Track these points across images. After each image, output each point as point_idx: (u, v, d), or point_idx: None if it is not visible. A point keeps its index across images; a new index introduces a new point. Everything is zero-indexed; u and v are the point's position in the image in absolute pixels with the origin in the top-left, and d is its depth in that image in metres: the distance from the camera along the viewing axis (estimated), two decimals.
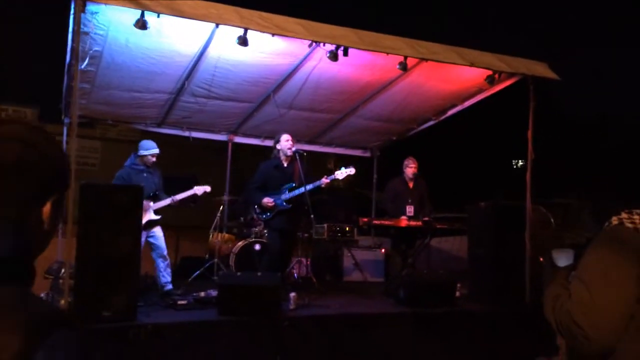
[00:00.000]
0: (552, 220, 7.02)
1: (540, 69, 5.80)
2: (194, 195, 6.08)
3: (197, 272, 6.49)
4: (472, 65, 5.46)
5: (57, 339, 0.81)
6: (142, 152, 5.83)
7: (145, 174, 5.80)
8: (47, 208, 0.91)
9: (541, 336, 5.13)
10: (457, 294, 5.73)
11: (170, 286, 5.67)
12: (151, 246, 5.73)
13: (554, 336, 1.81)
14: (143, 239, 5.48)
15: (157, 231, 5.78)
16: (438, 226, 6.60)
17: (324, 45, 5.14)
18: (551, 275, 1.81)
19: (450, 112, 7.38)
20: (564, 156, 17.10)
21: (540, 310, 1.81)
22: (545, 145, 7.65)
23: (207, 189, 6.19)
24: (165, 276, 5.69)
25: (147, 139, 6.07)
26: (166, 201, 5.86)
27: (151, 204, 5.74)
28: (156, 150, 5.86)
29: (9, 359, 0.76)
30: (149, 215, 5.69)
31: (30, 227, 0.89)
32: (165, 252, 5.77)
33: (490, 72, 5.81)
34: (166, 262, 5.75)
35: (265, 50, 5.40)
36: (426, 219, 6.67)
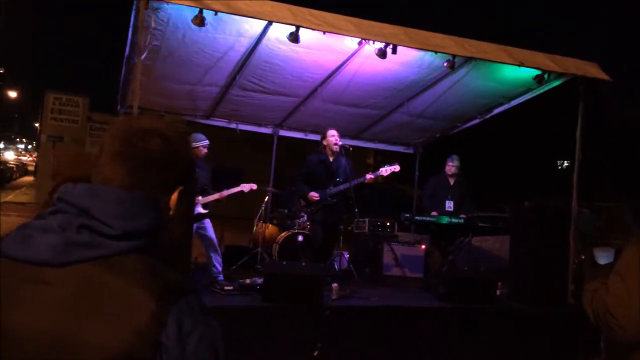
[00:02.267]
0: (598, 223, 6.92)
1: (591, 70, 5.73)
2: (241, 192, 6.27)
3: (242, 261, 6.71)
4: (521, 64, 5.45)
5: (185, 304, 0.92)
6: (193, 144, 5.94)
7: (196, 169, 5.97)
8: (174, 196, 1.06)
9: (582, 337, 5.12)
10: (498, 292, 5.75)
11: (221, 277, 5.77)
12: (201, 238, 5.89)
13: (597, 337, 1.90)
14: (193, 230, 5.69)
15: (207, 224, 5.93)
16: (480, 224, 6.61)
17: (373, 42, 5.23)
18: (592, 273, 1.90)
19: (496, 111, 7.36)
20: (608, 158, 16.64)
21: (582, 311, 1.90)
22: (590, 147, 7.54)
23: (254, 186, 6.40)
24: (217, 266, 5.81)
25: (193, 130, 6.27)
26: (214, 196, 6.01)
27: (199, 198, 5.89)
28: (206, 142, 6.01)
29: (146, 317, 0.88)
30: (198, 209, 5.84)
31: (162, 209, 1.03)
32: (216, 243, 5.91)
33: (539, 72, 5.78)
34: (217, 253, 5.87)
35: (314, 46, 5.52)
36: (463, 216, 6.70)
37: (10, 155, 53.26)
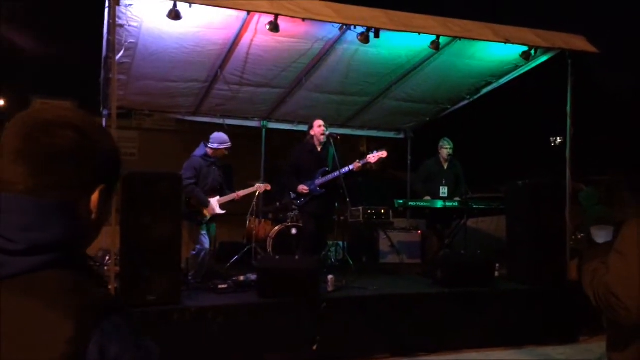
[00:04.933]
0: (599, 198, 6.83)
1: (579, 43, 5.64)
2: (254, 192, 6.31)
3: (236, 257, 6.62)
4: (507, 41, 5.34)
5: (110, 326, 0.79)
6: (216, 146, 5.77)
7: (214, 167, 5.82)
8: (95, 197, 0.90)
9: (584, 315, 5.06)
10: (496, 273, 5.69)
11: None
12: (196, 241, 5.78)
13: (598, 315, 1.80)
14: (204, 231, 5.69)
15: (212, 229, 5.90)
16: (474, 206, 6.54)
17: (354, 27, 5.11)
18: (590, 253, 1.81)
19: (484, 91, 7.25)
20: (602, 132, 16.53)
21: (582, 288, 1.80)
22: (583, 121, 7.45)
23: (268, 187, 6.42)
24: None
25: (184, 127, 6.13)
26: (230, 196, 5.90)
27: (217, 197, 5.78)
28: (229, 144, 5.86)
29: (63, 345, 0.75)
30: (216, 209, 5.76)
31: (79, 214, 0.88)
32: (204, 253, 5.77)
33: (525, 48, 5.68)
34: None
35: (296, 35, 5.40)
36: (457, 199, 6.63)
37: None
